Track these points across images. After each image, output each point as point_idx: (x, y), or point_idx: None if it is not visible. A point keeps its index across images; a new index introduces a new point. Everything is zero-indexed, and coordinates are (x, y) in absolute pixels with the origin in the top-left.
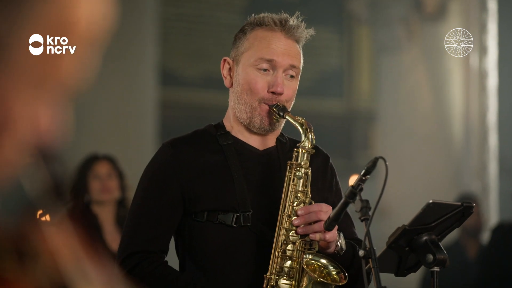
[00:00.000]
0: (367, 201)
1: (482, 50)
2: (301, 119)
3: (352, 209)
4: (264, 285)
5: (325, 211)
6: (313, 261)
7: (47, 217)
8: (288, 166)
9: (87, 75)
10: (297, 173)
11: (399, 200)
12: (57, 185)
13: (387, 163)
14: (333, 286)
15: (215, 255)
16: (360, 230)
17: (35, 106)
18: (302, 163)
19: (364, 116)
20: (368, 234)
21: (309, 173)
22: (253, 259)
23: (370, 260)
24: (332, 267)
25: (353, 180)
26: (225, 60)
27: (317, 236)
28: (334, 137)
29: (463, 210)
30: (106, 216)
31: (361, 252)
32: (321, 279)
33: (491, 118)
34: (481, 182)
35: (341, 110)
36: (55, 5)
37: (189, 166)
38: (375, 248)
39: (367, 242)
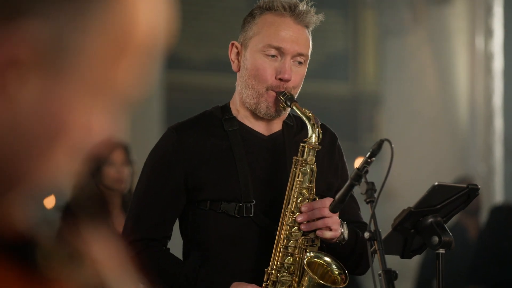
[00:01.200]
0: (372, 183)
1: (488, 32)
2: (309, 113)
3: (358, 192)
4: (265, 279)
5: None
6: (315, 259)
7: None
8: (294, 162)
9: (144, 84)
10: (302, 169)
11: (405, 183)
12: (102, 195)
13: (392, 146)
14: None
15: (218, 245)
16: (365, 212)
17: (91, 114)
18: (307, 159)
19: (369, 99)
20: (373, 216)
21: (315, 168)
22: (255, 250)
23: (375, 242)
24: (335, 267)
25: (358, 162)
26: (233, 44)
27: (326, 234)
28: (339, 120)
29: (468, 192)
30: (114, 201)
31: (366, 234)
32: (321, 282)
33: (497, 100)
34: (487, 164)
35: (346, 93)
36: (115, 11)
37: (193, 154)
38: (380, 230)
39: (372, 225)
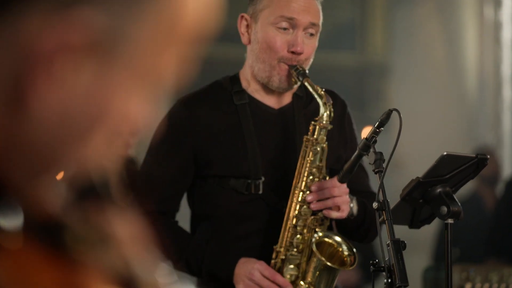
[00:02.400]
0: (381, 153)
1: (497, 2)
2: (321, 90)
3: (367, 161)
4: (273, 257)
5: (339, 187)
6: (325, 239)
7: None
8: (304, 141)
9: (188, 74)
10: (313, 148)
11: (413, 153)
12: (130, 182)
13: (401, 116)
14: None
15: (226, 221)
16: (374, 183)
17: (133, 101)
18: (318, 139)
19: (377, 69)
20: (382, 186)
21: (325, 148)
22: (264, 227)
23: (383, 212)
24: (344, 247)
25: (366, 132)
26: (242, 16)
27: (332, 214)
28: (346, 90)
29: (477, 162)
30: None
31: (374, 205)
32: (329, 264)
33: (505, 70)
34: (495, 134)
35: (354, 63)
36: (167, 0)
37: (202, 128)
38: (388, 200)
39: (380, 195)
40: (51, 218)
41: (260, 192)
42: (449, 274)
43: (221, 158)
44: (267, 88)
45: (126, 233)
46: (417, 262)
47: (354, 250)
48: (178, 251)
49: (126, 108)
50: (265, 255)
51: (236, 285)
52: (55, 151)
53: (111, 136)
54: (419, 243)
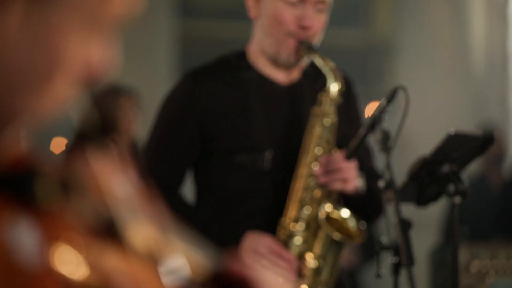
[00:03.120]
0: (387, 131)
1: None
2: (330, 64)
3: (372, 142)
4: (280, 231)
5: (347, 161)
6: (332, 212)
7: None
8: (313, 114)
9: (137, 6)
10: (321, 121)
11: (420, 131)
12: (105, 119)
13: (407, 93)
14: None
15: (231, 196)
16: (380, 161)
17: (87, 43)
18: (327, 112)
19: (383, 47)
20: (388, 164)
21: (334, 121)
22: (270, 202)
23: (390, 191)
24: (351, 221)
25: (371, 109)
26: None
27: (336, 185)
28: (351, 68)
29: (484, 140)
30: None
31: (381, 183)
32: (337, 236)
33: None
34: (502, 111)
35: (358, 41)
36: None
37: (208, 103)
38: (395, 179)
39: (387, 173)
40: (18, 166)
41: (267, 168)
42: (456, 252)
43: (227, 133)
44: (275, 63)
45: (107, 178)
46: (424, 241)
47: (361, 223)
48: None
49: (84, 53)
50: (271, 231)
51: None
52: (11, 102)
53: (73, 82)
54: (427, 222)
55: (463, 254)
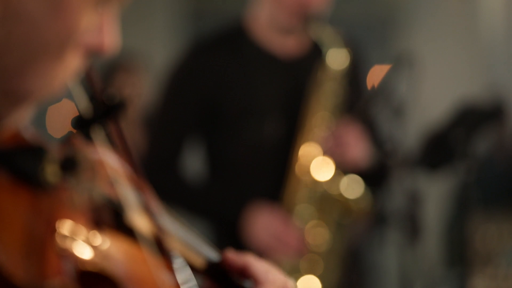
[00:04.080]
0: (391, 98)
1: None
2: (334, 33)
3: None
4: (284, 199)
5: (352, 129)
6: (337, 181)
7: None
8: (318, 79)
9: None
10: (326, 87)
11: (426, 97)
12: (113, 98)
13: (412, 59)
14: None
15: (235, 164)
16: (388, 128)
17: (99, 14)
18: (331, 80)
19: (386, 11)
20: (392, 134)
21: (338, 89)
22: (273, 170)
23: (394, 159)
24: (358, 190)
25: (375, 74)
26: None
27: (341, 153)
28: (358, 34)
29: (495, 112)
30: (130, 116)
31: (388, 150)
32: (344, 211)
33: None
34: (510, 73)
35: (364, 9)
36: None
37: (213, 73)
38: (401, 147)
39: (394, 140)
40: (26, 144)
41: (269, 136)
42: (466, 220)
43: (231, 103)
44: (278, 34)
45: (104, 158)
46: (435, 213)
47: (368, 193)
48: (187, 201)
49: (96, 24)
50: (276, 198)
51: (251, 234)
52: (25, 75)
53: (83, 54)
54: (438, 195)
55: (478, 222)
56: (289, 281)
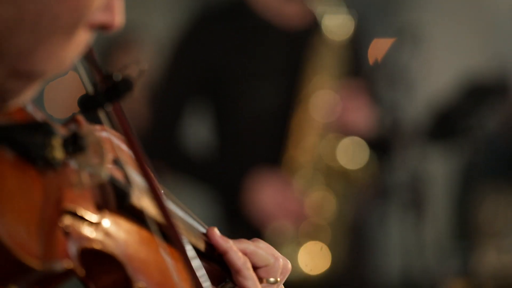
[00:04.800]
0: (394, 70)
1: None
2: (337, 4)
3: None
4: (285, 162)
5: (357, 99)
6: (340, 147)
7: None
8: (317, 49)
9: None
10: (326, 56)
11: (430, 68)
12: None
13: (416, 31)
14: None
15: (237, 129)
16: (391, 98)
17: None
18: (333, 47)
19: None
20: (396, 106)
21: (340, 59)
22: (275, 136)
23: (401, 131)
24: (360, 157)
25: (377, 46)
26: None
27: (349, 121)
28: (359, 6)
29: (501, 86)
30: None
31: (392, 120)
32: (343, 172)
33: None
34: None
35: None
36: None
37: (215, 43)
38: (406, 120)
39: (398, 110)
40: (31, 122)
41: (273, 104)
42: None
43: (233, 71)
44: (281, 2)
45: (109, 137)
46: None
47: (370, 160)
48: (190, 169)
49: (104, 1)
50: (278, 162)
51: (253, 201)
52: (39, 51)
53: (94, 30)
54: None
55: (484, 195)
56: (286, 260)
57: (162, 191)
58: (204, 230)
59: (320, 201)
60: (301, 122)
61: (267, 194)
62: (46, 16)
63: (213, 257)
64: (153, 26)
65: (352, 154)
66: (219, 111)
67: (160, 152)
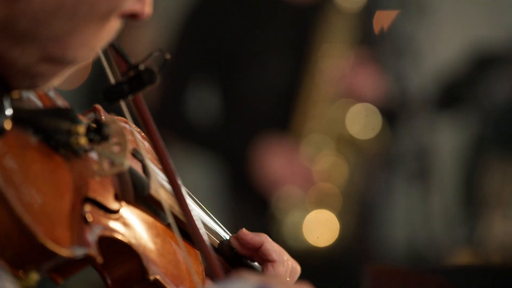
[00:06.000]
0: (403, 42)
1: None
2: None
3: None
4: (293, 128)
5: (364, 63)
6: (348, 113)
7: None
8: (326, 19)
9: None
10: (336, 20)
11: (440, 39)
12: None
13: (422, 0)
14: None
15: (247, 100)
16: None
17: None
18: (345, 11)
19: None
20: (403, 74)
21: (350, 27)
22: (283, 103)
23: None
24: (369, 122)
25: (381, 17)
26: None
27: (357, 88)
28: None
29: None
30: None
31: (397, 89)
32: (350, 138)
33: None
34: None
35: None
36: None
37: (227, 16)
38: (414, 90)
39: (404, 79)
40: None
41: (280, 77)
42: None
43: (241, 45)
44: None
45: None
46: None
47: (379, 127)
48: (199, 131)
49: None
50: (286, 128)
51: (261, 167)
52: (71, 38)
53: (122, 19)
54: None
55: (491, 163)
56: (295, 262)
57: (181, 185)
58: (220, 226)
59: (330, 167)
60: (310, 90)
61: (274, 160)
62: (85, 3)
63: (225, 254)
64: (161, 1)
65: (363, 122)
66: (227, 81)
67: (168, 122)
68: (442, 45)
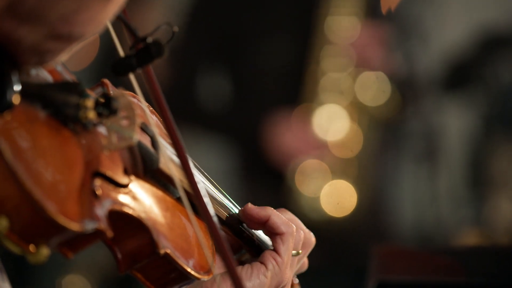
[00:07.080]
0: (411, 20)
1: None
2: None
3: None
4: (304, 96)
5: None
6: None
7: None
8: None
9: None
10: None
11: (446, 17)
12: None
13: None
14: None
15: (255, 78)
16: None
17: None
18: None
19: None
20: (411, 55)
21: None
22: (291, 79)
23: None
24: (380, 92)
25: (388, 1)
26: None
27: (367, 56)
28: None
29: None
30: None
31: (402, 70)
32: (363, 106)
33: None
34: None
35: None
36: None
37: (231, 2)
38: (422, 71)
39: (411, 60)
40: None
41: (288, 55)
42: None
43: (250, 26)
44: None
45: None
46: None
47: (390, 94)
48: (208, 113)
49: None
50: (298, 99)
51: (273, 141)
52: (77, 18)
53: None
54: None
55: (498, 144)
56: (310, 233)
57: (189, 158)
58: (230, 200)
59: (345, 137)
60: (319, 61)
61: (287, 133)
62: None
63: (233, 227)
64: None
65: (373, 88)
66: (236, 61)
67: (179, 108)
68: (450, 27)
